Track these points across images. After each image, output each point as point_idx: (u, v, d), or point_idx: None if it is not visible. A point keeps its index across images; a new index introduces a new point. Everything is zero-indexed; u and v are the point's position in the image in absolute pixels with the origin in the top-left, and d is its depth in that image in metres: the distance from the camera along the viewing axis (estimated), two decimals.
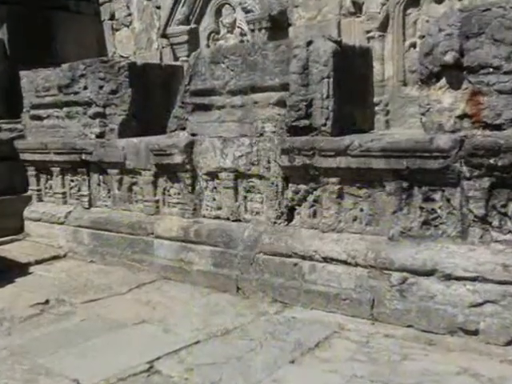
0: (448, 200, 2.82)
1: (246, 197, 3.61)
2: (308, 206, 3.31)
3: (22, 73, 5.04)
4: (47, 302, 3.42)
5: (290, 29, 5.87)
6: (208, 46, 6.61)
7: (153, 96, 4.48)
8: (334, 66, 3.10)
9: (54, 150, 4.72)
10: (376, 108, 4.75)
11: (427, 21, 4.91)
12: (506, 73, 2.62)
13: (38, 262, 4.29)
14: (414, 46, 5.15)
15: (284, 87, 3.30)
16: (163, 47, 7.14)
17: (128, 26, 7.63)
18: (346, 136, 3.11)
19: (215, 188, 3.75)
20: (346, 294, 3.02)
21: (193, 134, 3.82)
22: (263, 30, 5.96)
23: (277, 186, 3.41)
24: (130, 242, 4.15)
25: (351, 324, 2.89)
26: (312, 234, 3.26)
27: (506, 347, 2.54)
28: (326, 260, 3.12)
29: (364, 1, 5.36)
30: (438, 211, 2.86)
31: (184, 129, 3.92)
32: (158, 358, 2.57)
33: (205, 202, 3.82)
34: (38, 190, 5.06)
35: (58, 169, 4.81)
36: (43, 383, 2.41)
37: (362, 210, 3.13)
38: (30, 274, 4.05)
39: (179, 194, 3.93)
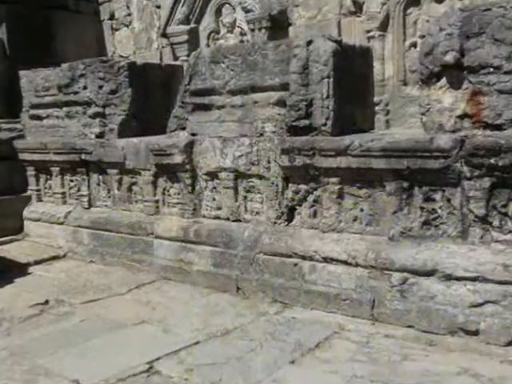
0: (448, 200, 2.82)
1: (245, 197, 3.60)
2: (308, 206, 3.31)
3: (22, 72, 5.03)
4: (47, 302, 3.41)
5: (290, 28, 5.86)
6: (208, 45, 6.60)
7: (153, 96, 4.48)
8: (334, 66, 3.10)
9: (54, 149, 4.71)
10: (376, 108, 4.74)
11: (427, 20, 4.90)
12: (506, 73, 2.61)
13: (37, 263, 4.28)
14: (414, 45, 5.14)
15: (284, 87, 3.29)
16: (163, 47, 7.13)
17: (128, 26, 7.62)
18: (347, 136, 3.11)
19: (215, 188, 3.74)
20: (346, 295, 3.01)
21: (193, 134, 3.82)
22: (263, 30, 5.96)
23: (277, 185, 3.40)
24: (129, 242, 4.14)
25: (351, 324, 2.88)
26: (312, 234, 3.25)
27: (506, 347, 2.53)
28: (327, 260, 3.12)
29: (364, 0, 5.35)
30: (439, 211, 2.85)
31: (184, 129, 3.91)
32: (158, 359, 2.57)
33: (205, 202, 3.81)
34: (38, 190, 5.06)
35: (58, 169, 4.80)
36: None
37: (362, 210, 3.12)
38: (29, 274, 4.05)
39: (179, 194, 3.93)
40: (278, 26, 5.90)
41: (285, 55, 3.28)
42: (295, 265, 3.24)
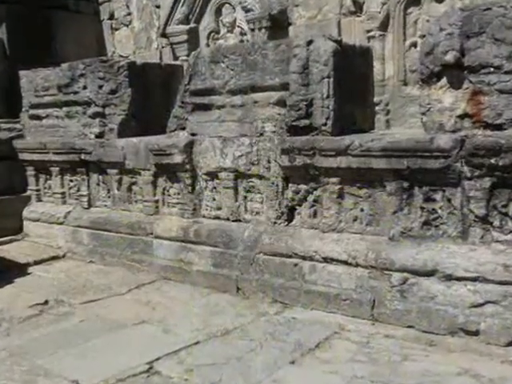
0: (449, 200, 2.81)
1: (245, 197, 3.60)
2: (308, 206, 3.30)
3: (22, 72, 5.03)
4: (46, 302, 3.41)
5: (290, 28, 5.86)
6: (208, 45, 6.60)
7: (152, 96, 4.47)
8: (334, 66, 3.09)
9: (53, 149, 4.71)
10: (376, 108, 4.74)
11: (428, 20, 4.90)
12: (506, 72, 2.61)
13: (36, 263, 4.27)
14: (414, 45, 5.14)
15: (284, 87, 3.29)
16: (163, 47, 7.13)
17: (127, 26, 7.62)
18: (347, 136, 3.10)
19: (215, 188, 3.74)
20: (346, 295, 3.01)
21: (192, 134, 3.81)
22: (263, 30, 5.96)
23: (277, 185, 3.40)
24: (129, 242, 4.14)
25: (351, 324, 2.88)
26: (312, 234, 3.25)
27: (506, 348, 2.53)
28: (327, 260, 3.11)
29: (364, 0, 5.35)
30: (439, 211, 2.85)
31: (184, 128, 3.91)
32: (158, 359, 2.56)
33: (204, 202, 3.81)
34: (37, 190, 5.05)
35: (57, 169, 4.80)
36: None
37: (362, 210, 3.12)
38: (28, 274, 4.04)
39: (179, 193, 3.92)
40: (278, 25, 5.90)
41: (285, 55, 3.28)
42: (295, 265, 3.23)
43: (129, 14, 7.56)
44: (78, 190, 4.67)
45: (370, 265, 2.95)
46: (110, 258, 4.23)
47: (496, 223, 2.70)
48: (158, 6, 7.16)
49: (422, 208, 2.89)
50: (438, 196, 2.85)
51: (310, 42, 3.16)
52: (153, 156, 3.96)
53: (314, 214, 3.29)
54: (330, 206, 3.20)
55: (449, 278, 2.71)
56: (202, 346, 2.71)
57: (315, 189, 3.26)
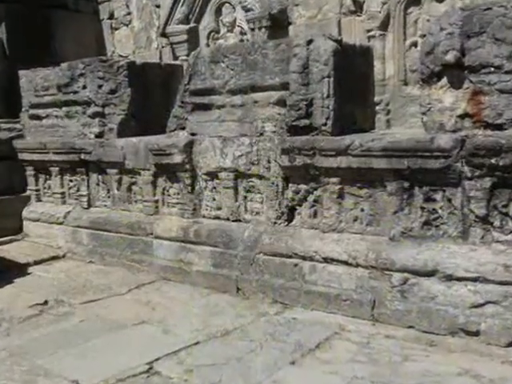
0: (449, 200, 2.81)
1: (245, 197, 3.59)
2: (308, 206, 3.30)
3: (21, 72, 5.02)
4: (46, 302, 3.40)
5: (290, 27, 5.85)
6: (208, 45, 6.59)
7: (152, 95, 4.47)
8: (334, 65, 3.09)
9: (53, 149, 4.70)
10: (377, 107, 4.74)
11: (428, 20, 4.90)
12: (507, 72, 2.61)
13: (36, 263, 4.27)
14: (414, 45, 5.13)
15: (284, 86, 3.28)
16: (163, 46, 7.12)
17: (127, 25, 7.61)
18: (347, 135, 3.10)
19: (215, 188, 3.74)
20: (346, 295, 3.00)
21: (192, 134, 3.81)
22: (263, 29, 5.95)
23: (277, 185, 3.39)
24: (129, 243, 4.13)
25: (352, 325, 2.87)
26: (312, 235, 3.24)
27: (507, 348, 2.52)
28: (327, 260, 3.11)
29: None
30: (439, 211, 2.85)
31: (184, 128, 3.90)
32: (158, 359, 2.56)
33: (204, 202, 3.80)
34: (37, 190, 5.05)
35: (57, 169, 4.79)
36: None
37: (362, 210, 3.11)
38: (28, 274, 4.04)
39: (179, 193, 3.92)
40: (278, 25, 5.90)
41: (285, 54, 3.27)
42: (295, 265, 3.23)
43: (128, 13, 7.56)
44: (78, 190, 4.66)
45: (370, 265, 2.95)
46: (109, 258, 4.23)
47: (496, 223, 2.70)
48: (157, 6, 7.16)
49: (423, 208, 2.88)
50: (438, 196, 2.84)
51: (310, 42, 3.15)
52: (152, 156, 3.95)
53: (314, 214, 3.29)
54: (331, 206, 3.19)
55: (449, 278, 2.71)
56: (201, 347, 2.70)
57: (315, 189, 3.26)
